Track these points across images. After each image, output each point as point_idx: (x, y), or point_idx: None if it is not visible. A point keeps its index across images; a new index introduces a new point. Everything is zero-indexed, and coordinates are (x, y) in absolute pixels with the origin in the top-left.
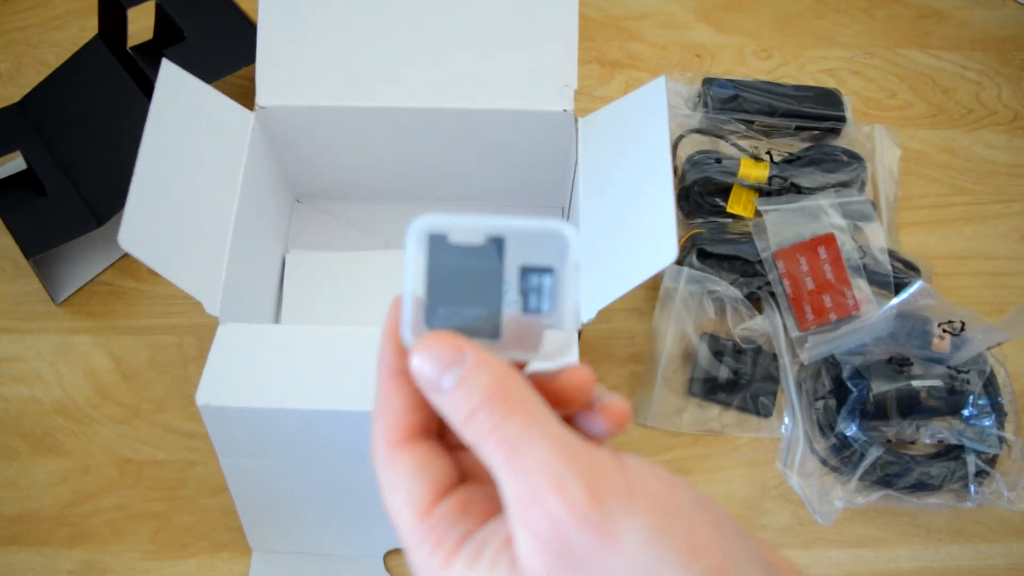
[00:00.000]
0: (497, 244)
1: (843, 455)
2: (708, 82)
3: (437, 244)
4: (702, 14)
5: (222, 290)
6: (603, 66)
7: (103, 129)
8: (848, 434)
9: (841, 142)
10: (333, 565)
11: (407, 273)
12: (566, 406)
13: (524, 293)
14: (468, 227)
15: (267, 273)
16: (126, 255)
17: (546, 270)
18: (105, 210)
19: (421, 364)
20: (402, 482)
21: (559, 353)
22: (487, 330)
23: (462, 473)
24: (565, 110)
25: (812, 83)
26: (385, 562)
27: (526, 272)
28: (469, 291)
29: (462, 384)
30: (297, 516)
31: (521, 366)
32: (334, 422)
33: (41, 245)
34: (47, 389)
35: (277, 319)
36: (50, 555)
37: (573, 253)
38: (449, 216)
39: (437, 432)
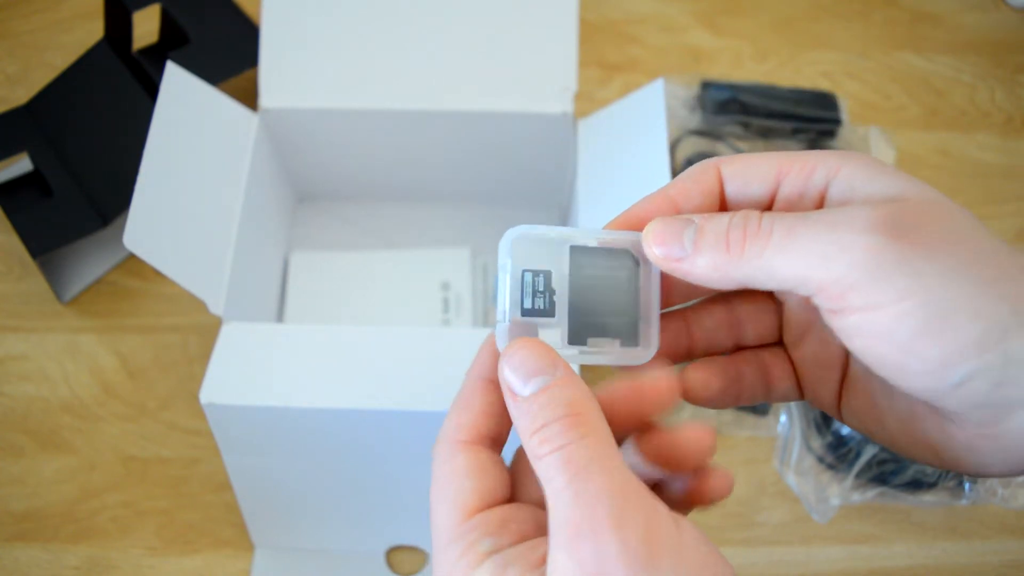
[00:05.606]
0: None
1: (839, 453)
2: (706, 85)
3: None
4: (700, 18)
5: (226, 290)
6: (602, 69)
7: (109, 131)
8: (844, 432)
9: (837, 144)
10: (335, 561)
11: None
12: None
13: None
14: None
15: (270, 273)
16: (132, 255)
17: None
18: (111, 210)
19: (512, 369)
20: (455, 479)
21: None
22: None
23: (513, 492)
24: (565, 112)
25: (808, 86)
26: (387, 559)
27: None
28: (606, 298)
29: (544, 393)
30: (300, 513)
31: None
32: (336, 420)
33: (47, 245)
34: (54, 387)
35: (280, 318)
36: (56, 551)
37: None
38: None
39: (499, 448)
